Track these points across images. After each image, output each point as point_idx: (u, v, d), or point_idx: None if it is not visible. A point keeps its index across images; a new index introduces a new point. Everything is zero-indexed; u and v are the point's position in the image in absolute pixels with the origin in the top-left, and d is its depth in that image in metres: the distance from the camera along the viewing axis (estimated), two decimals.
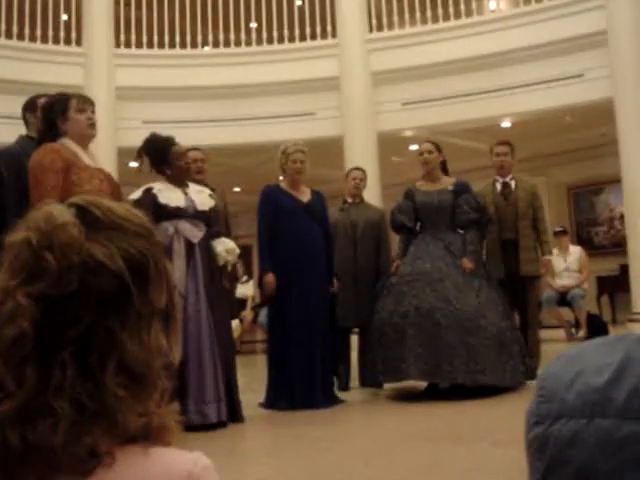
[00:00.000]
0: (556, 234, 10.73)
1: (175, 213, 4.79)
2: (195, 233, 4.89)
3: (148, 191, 4.86)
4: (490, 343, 5.55)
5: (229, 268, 5.20)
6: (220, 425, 4.68)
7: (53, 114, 4.07)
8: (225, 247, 5.04)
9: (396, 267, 6.00)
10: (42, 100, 4.72)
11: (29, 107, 4.75)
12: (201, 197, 5.04)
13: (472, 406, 5.17)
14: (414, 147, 9.72)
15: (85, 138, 4.12)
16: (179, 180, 4.99)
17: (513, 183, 6.57)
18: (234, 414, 4.86)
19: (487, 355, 5.51)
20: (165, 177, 4.99)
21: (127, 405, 0.84)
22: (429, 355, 5.44)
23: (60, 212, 0.88)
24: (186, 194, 4.96)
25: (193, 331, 4.69)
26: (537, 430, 0.73)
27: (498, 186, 6.57)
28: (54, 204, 0.90)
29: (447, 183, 6.19)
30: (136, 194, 4.87)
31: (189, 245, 4.85)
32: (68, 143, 4.04)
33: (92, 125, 4.13)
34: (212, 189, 6.05)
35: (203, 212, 4.97)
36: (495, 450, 3.70)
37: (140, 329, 0.87)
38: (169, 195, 4.87)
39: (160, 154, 4.99)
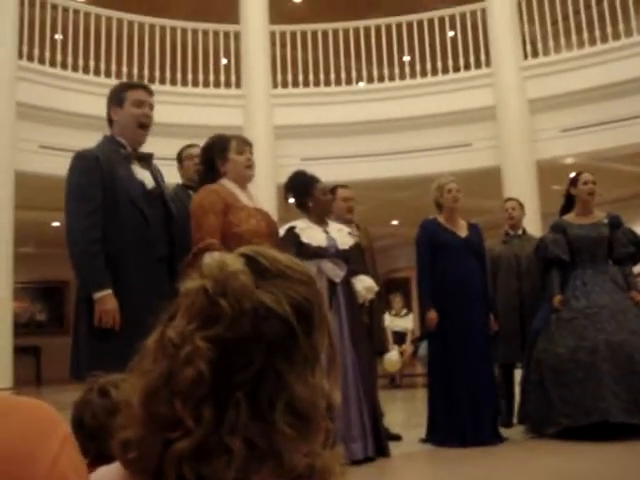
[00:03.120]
0: None
1: (317, 252, 4.85)
2: (337, 272, 4.94)
3: (291, 230, 4.95)
4: None
5: (367, 305, 5.26)
6: (367, 461, 4.67)
7: (212, 155, 4.22)
8: (364, 285, 5.10)
9: (560, 302, 5.72)
10: (189, 150, 5.07)
11: (177, 158, 5.18)
12: (341, 235, 5.10)
13: None
14: None
15: (244, 179, 4.20)
16: (321, 215, 5.08)
17: None
18: (380, 449, 4.85)
19: None
20: (307, 214, 5.08)
21: (294, 444, 0.87)
22: (626, 392, 5.20)
23: (232, 261, 0.93)
24: (327, 232, 5.03)
25: None
26: None
27: None
28: (226, 254, 0.96)
29: (600, 216, 5.99)
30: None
31: (331, 284, 4.90)
32: (227, 184, 4.13)
33: (250, 166, 4.21)
34: (357, 226, 6.11)
35: (344, 251, 5.02)
36: None
37: (306, 371, 0.91)
38: (311, 234, 4.95)
39: (304, 189, 5.10)
